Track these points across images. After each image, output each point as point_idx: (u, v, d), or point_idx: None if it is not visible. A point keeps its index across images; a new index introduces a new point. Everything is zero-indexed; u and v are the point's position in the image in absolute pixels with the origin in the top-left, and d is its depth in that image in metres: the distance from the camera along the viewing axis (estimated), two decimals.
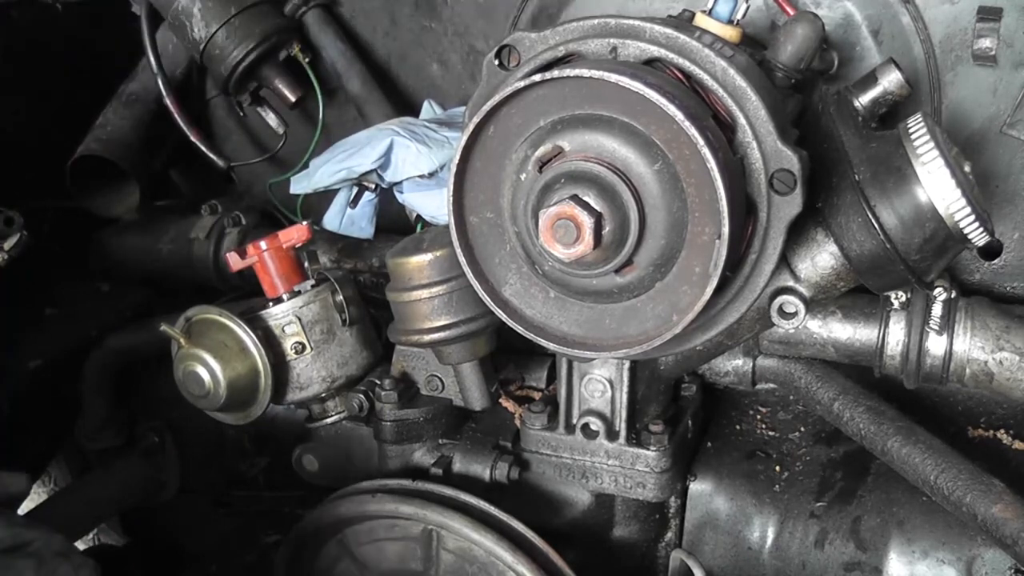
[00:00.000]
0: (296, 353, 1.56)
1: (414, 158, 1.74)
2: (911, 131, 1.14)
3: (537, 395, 1.59)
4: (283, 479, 1.84)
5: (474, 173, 1.12)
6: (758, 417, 1.69)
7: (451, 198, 1.12)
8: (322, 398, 1.62)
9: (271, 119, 2.14)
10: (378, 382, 1.55)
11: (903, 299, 1.43)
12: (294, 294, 1.57)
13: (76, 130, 2.15)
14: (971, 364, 1.40)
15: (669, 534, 1.57)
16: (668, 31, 1.09)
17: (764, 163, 1.07)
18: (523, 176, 1.08)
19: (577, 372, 1.43)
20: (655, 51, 1.09)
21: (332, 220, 1.92)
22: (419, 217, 1.82)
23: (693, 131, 0.96)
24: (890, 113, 1.28)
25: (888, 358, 1.46)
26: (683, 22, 1.21)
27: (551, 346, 1.16)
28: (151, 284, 2.18)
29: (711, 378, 1.64)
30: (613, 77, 0.97)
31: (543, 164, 1.06)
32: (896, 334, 1.44)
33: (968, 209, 1.10)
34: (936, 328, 1.41)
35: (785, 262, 1.21)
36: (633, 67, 1.06)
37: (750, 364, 1.60)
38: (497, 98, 1.04)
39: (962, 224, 1.11)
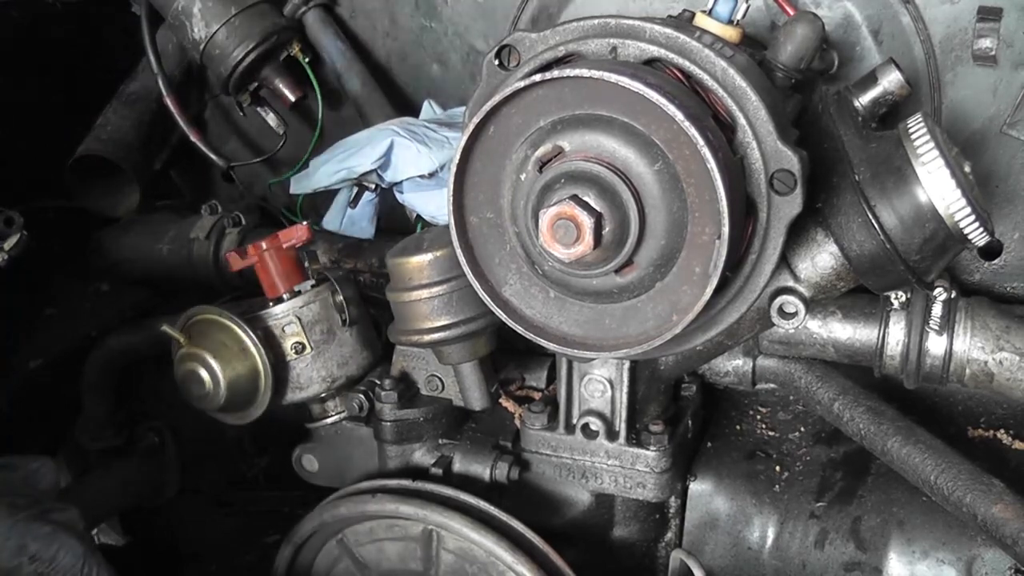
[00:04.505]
0: (296, 353, 1.56)
1: (414, 158, 1.75)
2: (911, 131, 1.14)
3: (537, 395, 1.59)
4: (283, 479, 1.84)
5: (474, 173, 1.12)
6: (758, 417, 1.69)
7: (451, 198, 1.12)
8: (322, 398, 1.62)
9: (271, 119, 2.14)
10: (378, 382, 1.55)
11: (903, 299, 1.43)
12: (294, 294, 1.57)
13: (76, 130, 2.15)
14: (971, 364, 1.40)
15: (669, 534, 1.57)
16: (668, 31, 1.09)
17: (764, 163, 1.07)
18: (523, 176, 1.08)
19: (577, 372, 1.43)
20: (655, 51, 1.09)
21: (332, 220, 1.92)
22: (419, 217, 1.82)
23: (693, 131, 0.96)
24: (890, 113, 1.28)
25: (888, 358, 1.46)
26: (683, 22, 1.21)
27: (551, 346, 1.16)
28: (151, 284, 2.18)
29: (711, 378, 1.64)
30: (613, 77, 0.97)
31: (543, 164, 1.06)
32: (896, 334, 1.44)
33: (968, 209, 1.10)
34: (936, 328, 1.41)
35: (785, 262, 1.21)
36: (633, 67, 1.06)
37: (750, 364, 1.60)
38: (497, 98, 1.04)
39: (962, 224, 1.11)
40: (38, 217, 1.94)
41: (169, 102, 2.06)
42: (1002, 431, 1.55)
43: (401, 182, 1.79)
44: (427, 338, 1.43)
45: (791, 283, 1.22)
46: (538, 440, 1.48)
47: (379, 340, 1.67)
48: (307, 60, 2.04)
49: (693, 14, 1.23)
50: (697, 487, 1.55)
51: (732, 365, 1.61)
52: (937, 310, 1.41)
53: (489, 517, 1.38)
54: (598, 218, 1.02)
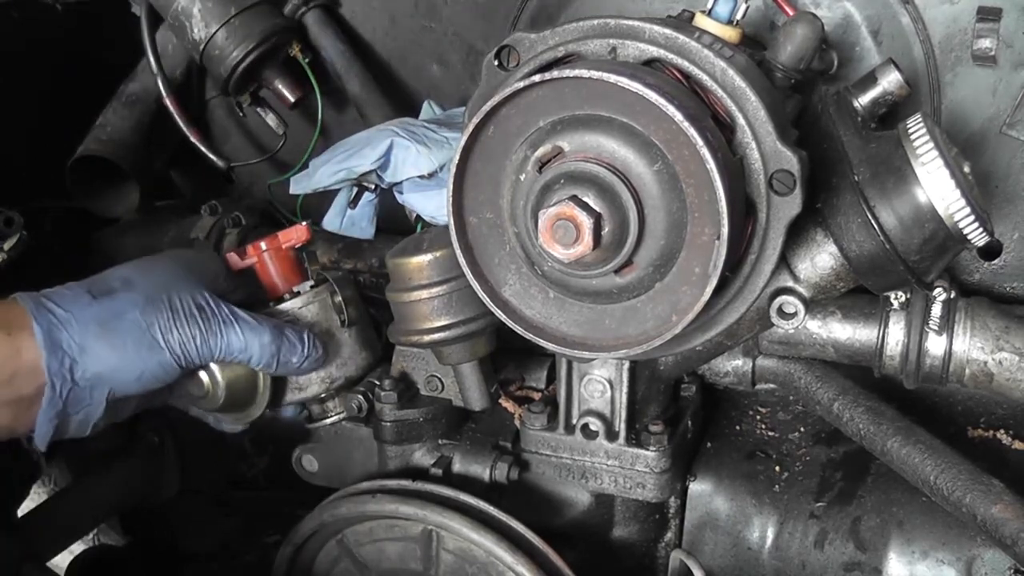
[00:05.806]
0: None
1: (414, 158, 1.74)
2: (910, 131, 1.14)
3: (537, 395, 1.59)
4: (283, 479, 1.84)
5: (474, 174, 1.12)
6: (758, 417, 1.69)
7: (451, 198, 1.12)
8: (321, 399, 1.62)
9: (271, 119, 2.13)
10: (378, 382, 1.55)
11: (903, 299, 1.43)
12: (293, 295, 1.57)
13: (76, 130, 2.15)
14: (971, 364, 1.40)
15: (669, 534, 1.57)
16: (667, 31, 1.09)
17: (763, 163, 1.07)
18: (522, 176, 1.08)
19: (577, 372, 1.43)
20: (654, 51, 1.09)
21: (332, 220, 1.92)
22: (419, 217, 1.82)
23: (692, 131, 0.96)
24: (890, 113, 1.28)
25: (888, 358, 1.46)
26: (682, 23, 1.21)
27: (551, 346, 1.16)
28: None
29: (711, 378, 1.64)
30: (612, 78, 0.97)
31: (543, 164, 1.06)
32: (896, 334, 1.44)
33: (968, 209, 1.10)
34: (936, 328, 1.41)
35: (785, 262, 1.21)
36: (632, 67, 1.06)
37: (750, 364, 1.60)
38: (497, 98, 1.04)
39: (962, 224, 1.11)
40: (38, 217, 1.94)
41: (169, 102, 2.05)
42: (1002, 431, 1.55)
43: (401, 182, 1.79)
44: (427, 338, 1.43)
45: (791, 283, 1.22)
46: (538, 440, 1.48)
47: (379, 340, 1.67)
48: (307, 60, 2.04)
49: (693, 14, 1.22)
50: (697, 487, 1.55)
51: (732, 365, 1.61)
52: (937, 310, 1.41)
53: (489, 517, 1.38)
54: (597, 218, 1.02)
